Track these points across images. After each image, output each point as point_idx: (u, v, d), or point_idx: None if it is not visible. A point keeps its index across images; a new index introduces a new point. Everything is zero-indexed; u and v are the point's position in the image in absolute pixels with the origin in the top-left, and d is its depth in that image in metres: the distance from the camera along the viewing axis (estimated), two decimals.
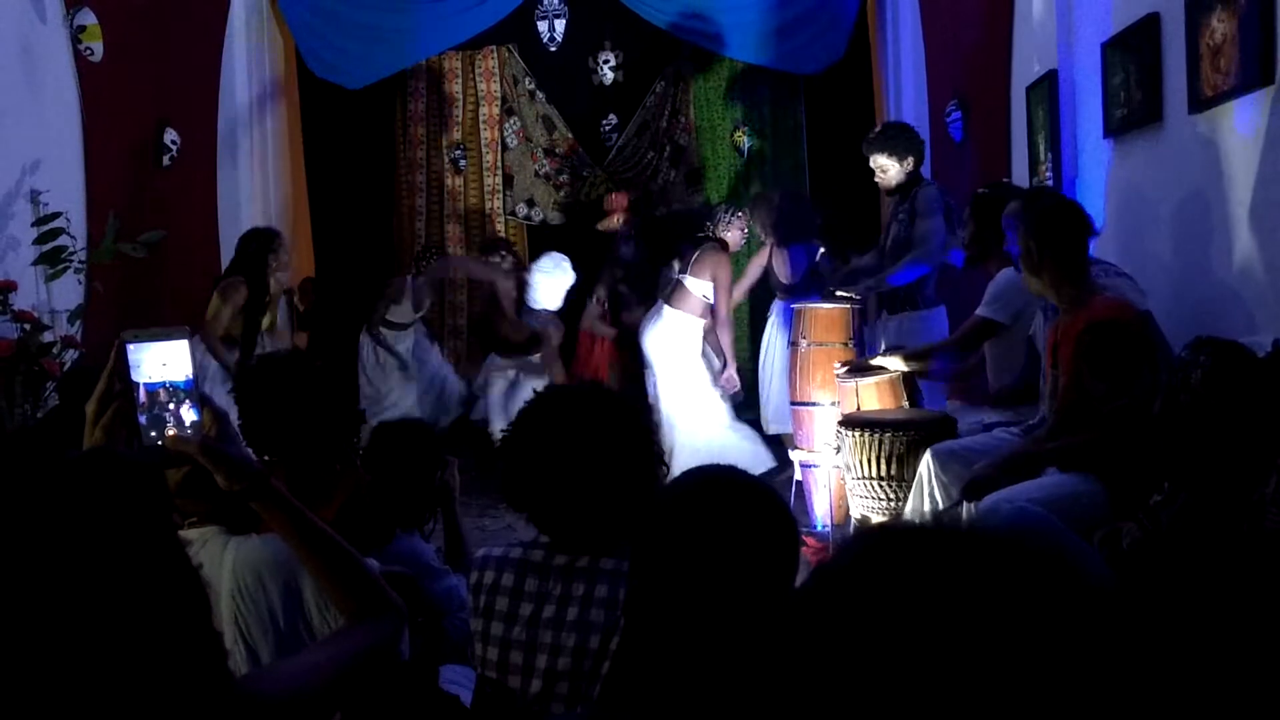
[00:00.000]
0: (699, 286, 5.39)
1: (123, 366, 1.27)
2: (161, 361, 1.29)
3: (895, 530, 0.71)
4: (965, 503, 3.04)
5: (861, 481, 3.93)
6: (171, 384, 1.29)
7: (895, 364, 4.15)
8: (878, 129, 4.88)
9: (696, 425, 5.34)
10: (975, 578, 0.65)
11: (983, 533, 0.69)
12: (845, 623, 0.65)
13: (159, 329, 1.30)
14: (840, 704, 0.63)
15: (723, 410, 5.49)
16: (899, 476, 3.77)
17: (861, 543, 0.70)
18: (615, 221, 6.50)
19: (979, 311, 3.75)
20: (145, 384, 1.28)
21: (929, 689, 0.61)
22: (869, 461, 3.88)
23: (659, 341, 5.42)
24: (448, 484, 3.10)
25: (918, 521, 0.73)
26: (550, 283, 5.84)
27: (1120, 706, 0.63)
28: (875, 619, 0.64)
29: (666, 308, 5.43)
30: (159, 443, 1.27)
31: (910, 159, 4.66)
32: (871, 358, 4.37)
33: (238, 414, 2.48)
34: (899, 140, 4.71)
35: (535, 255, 7.35)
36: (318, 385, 2.51)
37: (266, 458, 2.43)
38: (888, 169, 4.68)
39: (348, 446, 2.71)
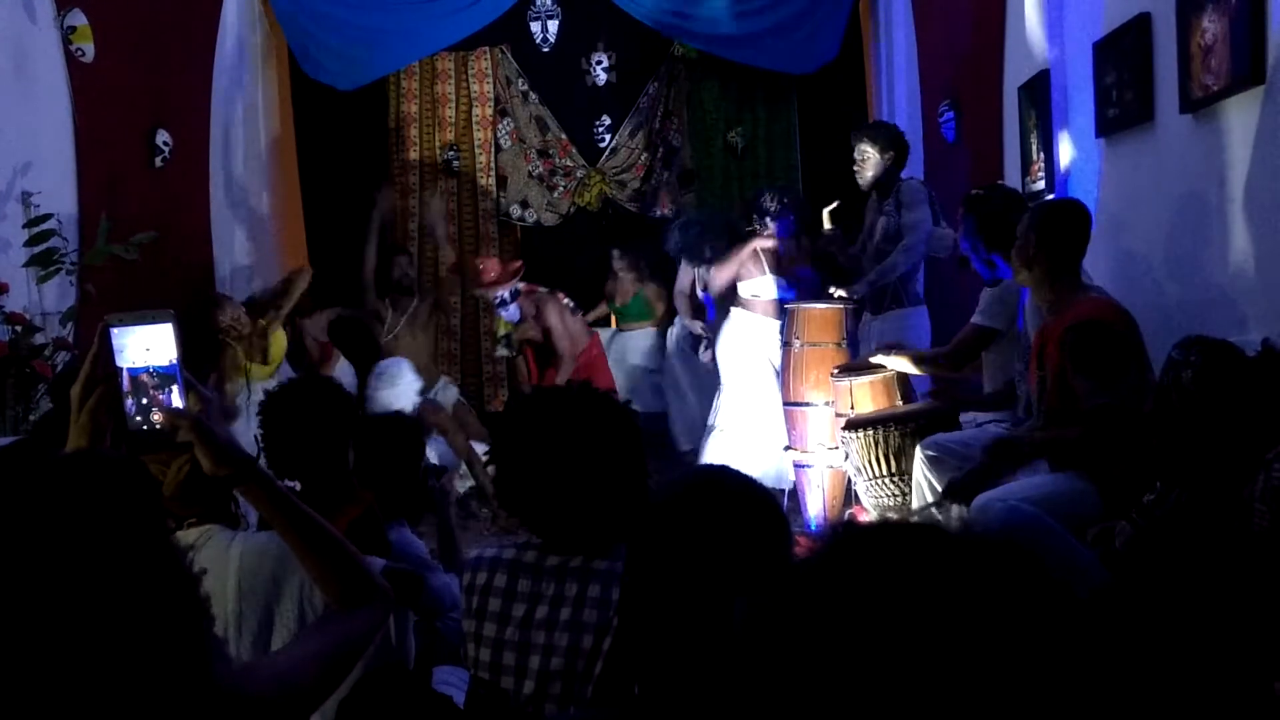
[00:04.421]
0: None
1: (107, 351, 1.26)
2: (145, 346, 1.28)
3: (862, 529, 0.72)
4: (954, 503, 3.03)
5: (873, 482, 3.92)
6: (156, 369, 1.28)
7: (901, 364, 4.12)
8: (868, 120, 4.93)
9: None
10: (935, 575, 0.65)
11: (948, 531, 0.69)
12: (809, 620, 0.66)
13: (144, 312, 1.29)
14: (807, 699, 0.63)
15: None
16: (907, 471, 3.75)
17: (828, 541, 0.71)
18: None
19: (974, 320, 3.74)
20: (129, 369, 1.27)
21: (887, 684, 0.62)
22: (877, 460, 3.88)
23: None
24: (444, 488, 3.12)
25: (889, 520, 0.73)
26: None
27: (1079, 703, 0.63)
28: (836, 617, 0.65)
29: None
30: (148, 423, 1.27)
31: (891, 154, 4.72)
32: (871, 354, 4.36)
33: (260, 439, 2.51)
34: (883, 132, 4.82)
35: (529, 257, 7.36)
36: (343, 410, 2.55)
37: (287, 482, 2.45)
38: (868, 157, 4.74)
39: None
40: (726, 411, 5.33)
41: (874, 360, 4.27)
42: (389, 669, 2.05)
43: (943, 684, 0.61)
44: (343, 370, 5.65)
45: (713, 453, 5.25)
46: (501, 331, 6.19)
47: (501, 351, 6.42)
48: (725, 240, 5.48)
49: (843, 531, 0.72)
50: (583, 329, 6.13)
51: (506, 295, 5.92)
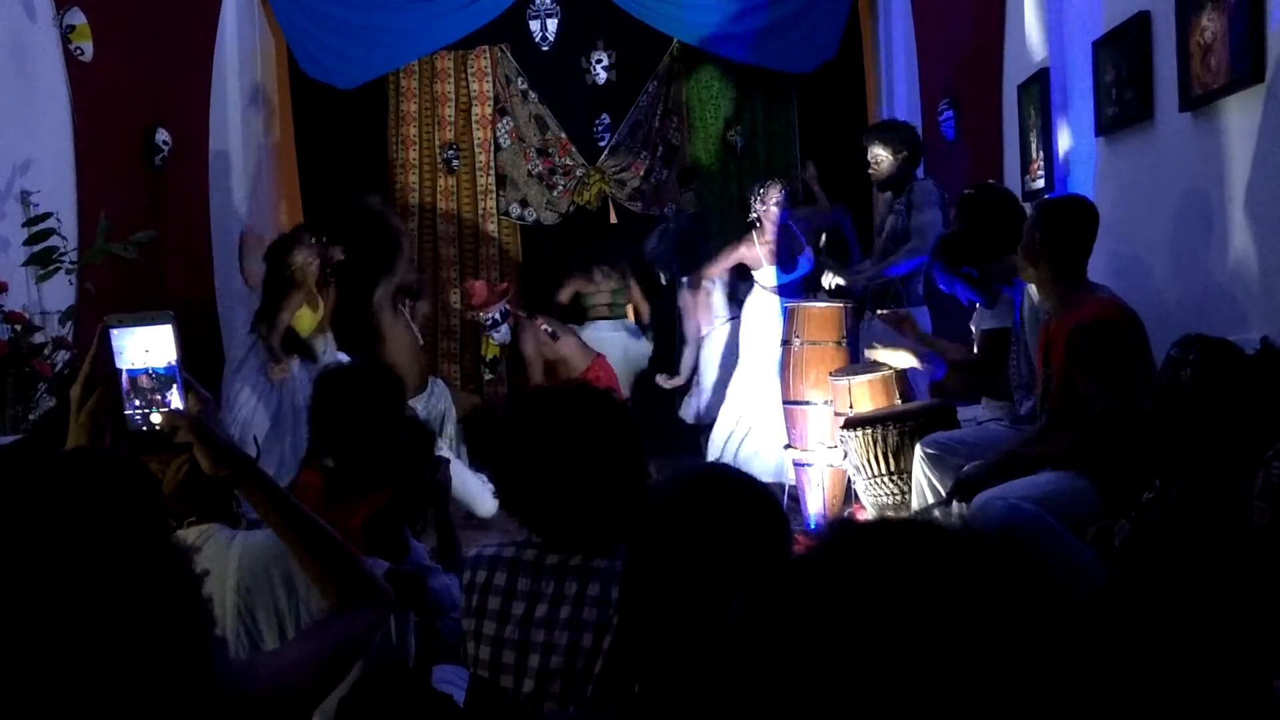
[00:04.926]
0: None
1: (106, 351, 1.27)
2: (145, 348, 1.29)
3: (860, 527, 0.72)
4: (956, 501, 3.03)
5: (872, 481, 3.91)
6: (154, 370, 1.29)
7: (906, 359, 4.08)
8: (878, 121, 4.95)
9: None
10: (934, 574, 0.65)
11: (946, 529, 0.69)
12: (806, 618, 0.66)
13: (144, 313, 1.29)
14: (805, 697, 0.64)
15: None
16: (906, 469, 3.74)
17: (826, 539, 0.71)
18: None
19: (986, 325, 3.71)
20: (128, 370, 1.28)
21: (885, 682, 0.62)
22: (876, 459, 3.87)
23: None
24: (440, 484, 3.10)
25: (888, 518, 0.73)
26: None
27: (1078, 702, 0.63)
28: (834, 615, 0.65)
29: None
30: (148, 424, 1.27)
31: (904, 153, 4.72)
32: (883, 333, 4.34)
33: (308, 418, 2.56)
34: (895, 133, 4.81)
35: (529, 256, 7.37)
36: (395, 397, 2.58)
37: (325, 461, 2.51)
38: (881, 160, 4.74)
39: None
40: (738, 383, 5.52)
41: (877, 357, 4.23)
42: (389, 668, 2.05)
43: (941, 682, 0.61)
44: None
45: (718, 425, 5.55)
46: (489, 356, 6.22)
47: (489, 375, 6.50)
48: (697, 257, 5.84)
49: (840, 530, 0.72)
50: (579, 352, 5.93)
51: (497, 316, 5.95)
